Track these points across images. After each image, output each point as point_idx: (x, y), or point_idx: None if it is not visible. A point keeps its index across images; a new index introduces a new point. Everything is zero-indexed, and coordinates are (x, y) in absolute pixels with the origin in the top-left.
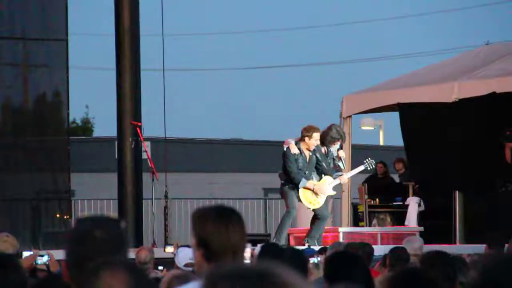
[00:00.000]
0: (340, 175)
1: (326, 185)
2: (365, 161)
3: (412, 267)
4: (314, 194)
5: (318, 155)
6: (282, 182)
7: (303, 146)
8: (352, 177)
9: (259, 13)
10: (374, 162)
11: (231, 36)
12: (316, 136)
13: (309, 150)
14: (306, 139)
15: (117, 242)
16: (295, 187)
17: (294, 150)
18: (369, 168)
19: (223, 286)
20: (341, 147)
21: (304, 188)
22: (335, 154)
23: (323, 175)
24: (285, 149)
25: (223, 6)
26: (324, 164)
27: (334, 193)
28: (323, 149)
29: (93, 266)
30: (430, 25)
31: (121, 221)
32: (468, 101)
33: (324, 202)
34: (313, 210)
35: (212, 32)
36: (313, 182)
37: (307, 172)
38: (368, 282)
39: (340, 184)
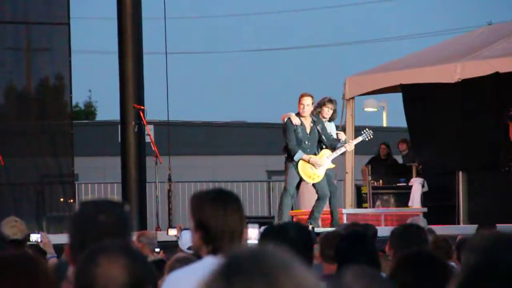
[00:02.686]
0: (345, 143)
1: (324, 158)
2: (363, 132)
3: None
4: (313, 167)
5: (319, 127)
6: (285, 156)
7: (301, 116)
8: (355, 159)
9: None
10: (371, 132)
11: (233, 19)
12: (307, 100)
13: (312, 119)
14: (300, 107)
15: (121, 226)
16: (297, 162)
17: (295, 120)
18: (367, 139)
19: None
20: (343, 130)
21: (303, 161)
22: (334, 135)
23: (319, 149)
24: (285, 120)
25: None
26: (324, 137)
27: (333, 166)
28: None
29: (91, 252)
30: (433, 6)
31: (125, 205)
32: (471, 81)
33: (324, 177)
34: (313, 186)
35: (214, 15)
36: (309, 155)
37: (307, 143)
38: (375, 262)
39: (342, 159)
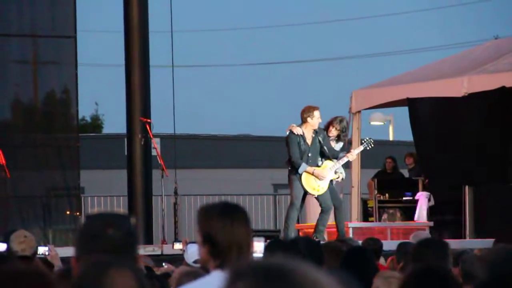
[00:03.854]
0: (347, 153)
1: (327, 169)
2: (363, 141)
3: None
4: (317, 179)
5: (320, 138)
6: (289, 169)
7: (305, 128)
8: (362, 173)
9: (268, 9)
10: (372, 141)
11: (240, 32)
12: (317, 114)
13: (314, 131)
14: (309, 119)
15: (129, 239)
16: (300, 174)
17: (297, 130)
18: (368, 148)
19: (240, 281)
20: (349, 143)
21: (307, 173)
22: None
23: (323, 160)
24: (287, 132)
25: (231, 2)
26: (326, 148)
27: (336, 176)
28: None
29: (99, 264)
30: (439, 20)
31: (131, 218)
32: (477, 96)
33: (328, 189)
34: (317, 199)
35: (221, 28)
36: (312, 168)
37: (310, 155)
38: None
39: (348, 173)
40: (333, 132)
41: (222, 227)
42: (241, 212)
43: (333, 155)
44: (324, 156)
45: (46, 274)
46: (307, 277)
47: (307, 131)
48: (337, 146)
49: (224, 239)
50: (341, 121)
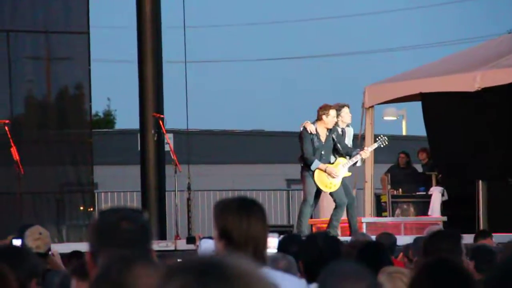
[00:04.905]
0: (360, 150)
1: (340, 166)
2: (378, 139)
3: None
4: (330, 176)
5: (334, 136)
6: (302, 165)
7: (319, 125)
8: (375, 168)
9: (282, 3)
10: (386, 139)
11: (252, 27)
12: (333, 113)
13: (327, 129)
14: (324, 117)
15: (143, 233)
16: (313, 171)
17: (311, 128)
18: (382, 145)
19: (173, 279)
20: (362, 138)
21: (319, 170)
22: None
23: (337, 157)
24: (301, 129)
25: None
26: (340, 145)
27: (349, 174)
28: (339, 130)
29: (122, 259)
30: (453, 14)
31: (144, 212)
32: (491, 90)
33: (341, 186)
34: (331, 194)
35: (234, 23)
36: (325, 165)
37: (323, 152)
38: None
39: (361, 168)
40: (348, 116)
41: (239, 222)
42: (258, 208)
43: (347, 153)
44: (338, 153)
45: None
46: (241, 270)
47: (321, 129)
48: (349, 131)
49: (240, 235)
50: (345, 105)
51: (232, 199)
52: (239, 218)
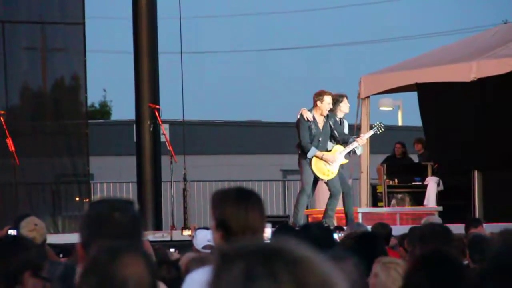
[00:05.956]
0: (357, 137)
1: (337, 154)
2: (374, 125)
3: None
4: (327, 164)
5: (331, 122)
6: (299, 153)
7: (316, 112)
8: (371, 158)
9: None
10: (382, 125)
11: (248, 18)
12: (328, 99)
13: (323, 116)
14: (318, 103)
15: (134, 224)
16: (310, 159)
17: (307, 115)
18: (378, 132)
19: (234, 264)
20: (358, 129)
21: (316, 157)
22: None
23: (334, 144)
24: (298, 116)
25: None
26: (336, 132)
27: (346, 161)
28: (337, 118)
29: (111, 249)
30: (448, 5)
31: (135, 203)
32: (486, 80)
33: (337, 175)
34: (326, 183)
35: (229, 14)
36: (322, 152)
37: (320, 139)
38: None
39: (357, 158)
40: (347, 107)
41: (237, 212)
42: (255, 198)
43: (343, 140)
44: (334, 140)
45: None
46: (303, 254)
47: (318, 115)
48: (344, 122)
49: (238, 225)
50: (344, 95)
51: (229, 189)
52: (237, 208)
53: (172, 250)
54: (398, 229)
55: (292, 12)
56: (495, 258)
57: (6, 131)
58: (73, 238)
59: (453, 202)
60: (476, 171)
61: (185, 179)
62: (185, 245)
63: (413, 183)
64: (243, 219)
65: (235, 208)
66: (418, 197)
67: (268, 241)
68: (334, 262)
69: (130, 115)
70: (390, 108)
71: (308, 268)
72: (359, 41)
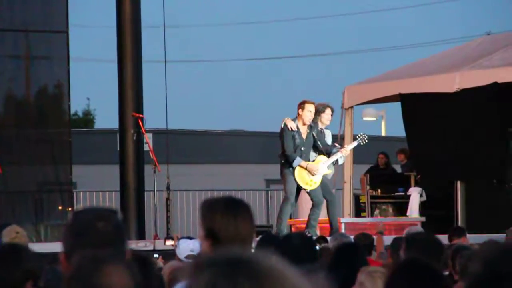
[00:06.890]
0: (340, 148)
1: (321, 164)
2: (358, 137)
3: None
4: (310, 174)
5: (314, 133)
6: (282, 162)
7: (299, 122)
8: (354, 168)
9: (259, 4)
10: (366, 137)
11: (232, 28)
12: (309, 107)
13: (305, 125)
14: (300, 111)
15: (117, 233)
16: (293, 168)
17: (291, 124)
18: (362, 144)
19: (202, 274)
20: (341, 139)
21: (300, 167)
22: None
23: (317, 154)
24: (282, 126)
25: None
26: (320, 143)
27: (329, 172)
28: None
29: (94, 260)
30: (431, 16)
31: (118, 212)
32: (470, 91)
33: (321, 184)
34: (309, 193)
35: (213, 23)
36: (306, 162)
37: (303, 149)
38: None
39: (340, 168)
40: (329, 118)
41: (226, 222)
42: (244, 207)
43: (327, 150)
44: (317, 150)
45: None
46: (271, 268)
47: (301, 125)
48: (327, 132)
49: (227, 234)
50: (329, 106)
51: (218, 198)
52: (226, 218)
53: (156, 255)
54: None
55: (276, 22)
56: (490, 264)
57: None
58: (56, 247)
59: (436, 213)
60: (459, 182)
61: (168, 188)
62: (168, 254)
63: (396, 194)
64: (232, 229)
65: (224, 217)
66: (401, 208)
67: (241, 253)
68: (305, 276)
69: (114, 124)
70: (374, 118)
71: (273, 282)
72: (343, 51)
